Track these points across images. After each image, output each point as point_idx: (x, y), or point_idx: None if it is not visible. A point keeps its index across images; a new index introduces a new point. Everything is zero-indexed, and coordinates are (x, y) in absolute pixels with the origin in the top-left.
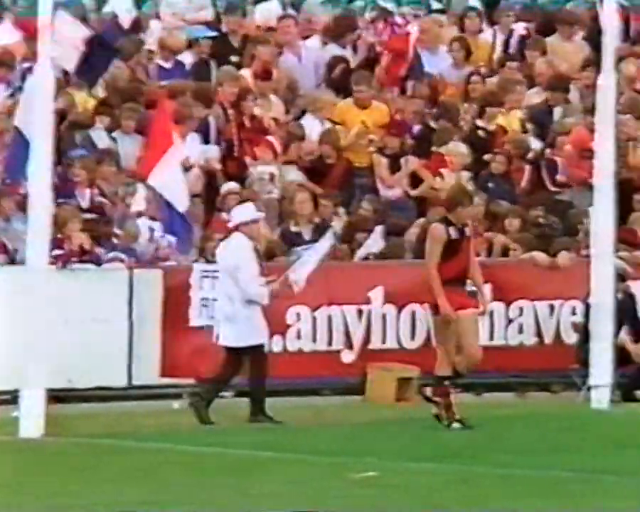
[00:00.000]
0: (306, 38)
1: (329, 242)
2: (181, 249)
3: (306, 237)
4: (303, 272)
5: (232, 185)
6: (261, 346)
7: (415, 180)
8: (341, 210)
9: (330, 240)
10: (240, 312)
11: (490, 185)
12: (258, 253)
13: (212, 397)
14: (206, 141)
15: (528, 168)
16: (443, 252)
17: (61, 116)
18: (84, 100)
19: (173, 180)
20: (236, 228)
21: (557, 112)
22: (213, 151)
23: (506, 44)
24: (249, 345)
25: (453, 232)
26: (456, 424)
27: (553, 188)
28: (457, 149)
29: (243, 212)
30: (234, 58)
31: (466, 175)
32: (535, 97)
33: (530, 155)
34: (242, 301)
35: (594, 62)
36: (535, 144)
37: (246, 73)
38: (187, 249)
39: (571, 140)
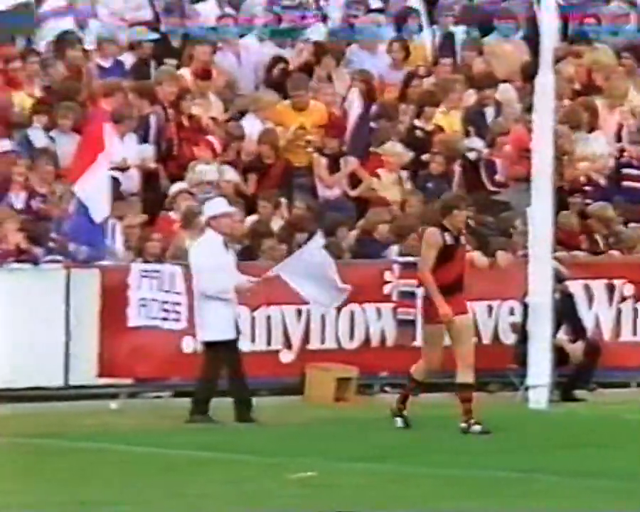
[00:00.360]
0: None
1: (317, 244)
2: (92, 256)
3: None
4: (284, 268)
5: (183, 185)
6: (232, 342)
7: (354, 180)
8: (281, 210)
9: (318, 241)
10: (209, 308)
11: (428, 185)
12: (226, 247)
13: (207, 396)
14: (146, 140)
15: (458, 169)
16: (438, 257)
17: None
18: (21, 100)
19: (97, 189)
20: (207, 224)
21: (491, 112)
22: (149, 151)
23: (444, 44)
24: (219, 340)
25: (448, 238)
26: (476, 427)
27: (492, 188)
28: (394, 149)
29: (212, 206)
30: (173, 59)
31: (404, 175)
32: (474, 97)
33: (472, 155)
34: (210, 297)
35: (532, 62)
36: (475, 144)
37: (185, 73)
38: (99, 257)
39: (510, 140)
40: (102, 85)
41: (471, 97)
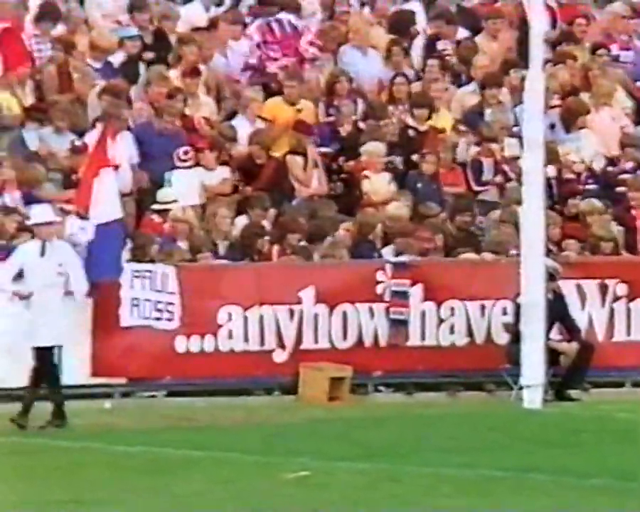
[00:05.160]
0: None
1: None
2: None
3: (221, 251)
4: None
5: (168, 191)
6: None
7: (345, 180)
8: (272, 211)
9: None
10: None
11: (418, 185)
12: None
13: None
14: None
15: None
16: None
17: None
18: (7, 101)
19: (109, 203)
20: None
21: (489, 112)
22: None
23: (433, 44)
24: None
25: None
26: None
27: (478, 188)
28: (373, 150)
29: (37, 214)
30: (150, 54)
31: (387, 176)
32: (468, 97)
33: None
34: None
35: (521, 61)
36: (464, 145)
37: (174, 73)
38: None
39: None
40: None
41: (465, 96)
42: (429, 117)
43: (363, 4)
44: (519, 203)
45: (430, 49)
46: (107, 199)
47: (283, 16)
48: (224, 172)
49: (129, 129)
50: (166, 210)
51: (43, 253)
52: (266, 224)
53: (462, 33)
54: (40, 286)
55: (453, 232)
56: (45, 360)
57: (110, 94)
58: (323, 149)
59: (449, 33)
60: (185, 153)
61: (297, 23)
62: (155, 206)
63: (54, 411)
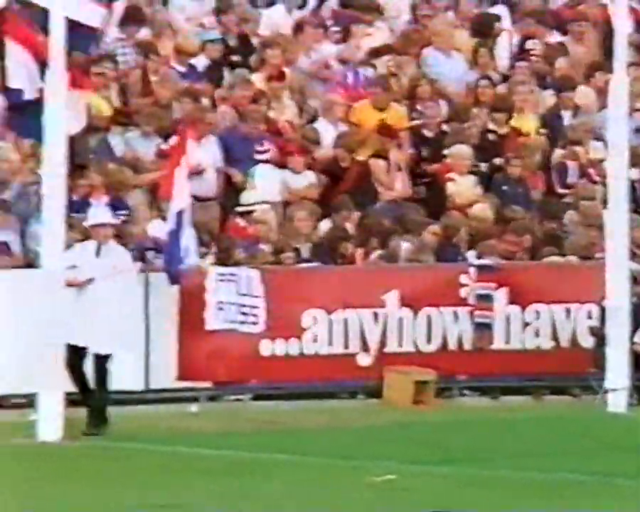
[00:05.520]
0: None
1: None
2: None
3: (305, 254)
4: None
5: (250, 192)
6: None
7: (429, 183)
8: (355, 214)
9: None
10: None
11: (504, 188)
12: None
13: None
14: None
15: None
16: None
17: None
18: (98, 104)
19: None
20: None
21: (568, 115)
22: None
23: (521, 46)
24: None
25: None
26: None
27: (562, 191)
28: (459, 152)
29: (93, 215)
30: (236, 58)
31: (473, 179)
32: (548, 100)
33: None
34: None
35: (605, 64)
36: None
37: (257, 77)
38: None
39: None
40: (177, 89)
41: (546, 99)
42: (508, 121)
43: (447, 8)
44: (605, 205)
45: (518, 51)
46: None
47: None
48: (310, 176)
49: (213, 133)
50: (250, 212)
51: (98, 253)
52: (349, 227)
53: (549, 34)
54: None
55: (539, 235)
56: (101, 363)
57: (189, 97)
58: (408, 151)
59: (539, 33)
60: (262, 144)
61: None
62: (238, 208)
63: (93, 416)
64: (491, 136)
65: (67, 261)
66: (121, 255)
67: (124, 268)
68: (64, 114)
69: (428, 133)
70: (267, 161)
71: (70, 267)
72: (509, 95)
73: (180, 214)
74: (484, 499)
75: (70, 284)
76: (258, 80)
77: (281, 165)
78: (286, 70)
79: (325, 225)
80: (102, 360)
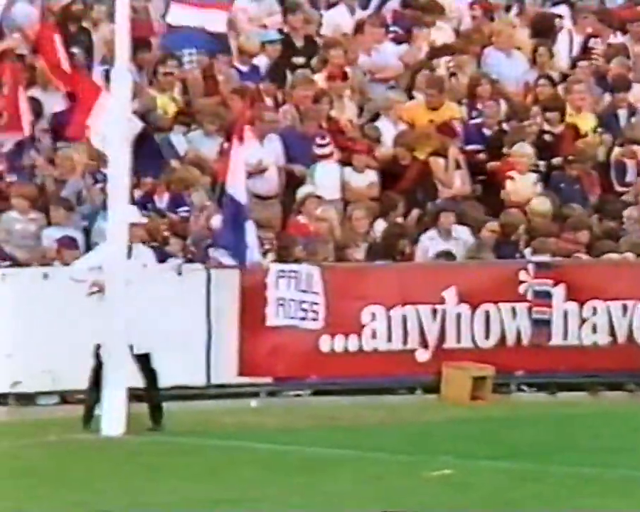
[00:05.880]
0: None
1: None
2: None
3: (358, 255)
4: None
5: (310, 188)
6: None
7: (486, 181)
8: (415, 211)
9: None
10: None
11: (562, 186)
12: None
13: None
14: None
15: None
16: None
17: (142, 118)
18: (164, 103)
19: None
20: None
21: (624, 114)
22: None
23: (583, 46)
24: None
25: None
26: None
27: (621, 189)
28: (522, 151)
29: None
30: (301, 60)
31: (533, 177)
32: (605, 99)
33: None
34: None
35: None
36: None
37: (319, 77)
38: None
39: None
40: (242, 90)
41: (604, 99)
42: (562, 120)
43: (507, 8)
44: None
45: (580, 50)
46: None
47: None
48: (371, 175)
49: (275, 131)
50: (303, 205)
51: (129, 254)
52: (408, 224)
53: (611, 34)
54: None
55: (597, 233)
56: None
57: (240, 95)
58: (469, 148)
59: (602, 33)
60: (323, 138)
61: None
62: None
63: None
64: (547, 136)
65: (92, 260)
66: (150, 255)
67: (154, 268)
68: (127, 113)
69: (487, 131)
70: (327, 158)
71: (93, 269)
72: (565, 94)
73: (237, 205)
74: (542, 495)
75: (96, 287)
76: (320, 79)
77: (343, 163)
78: (347, 69)
79: (382, 223)
80: (142, 360)
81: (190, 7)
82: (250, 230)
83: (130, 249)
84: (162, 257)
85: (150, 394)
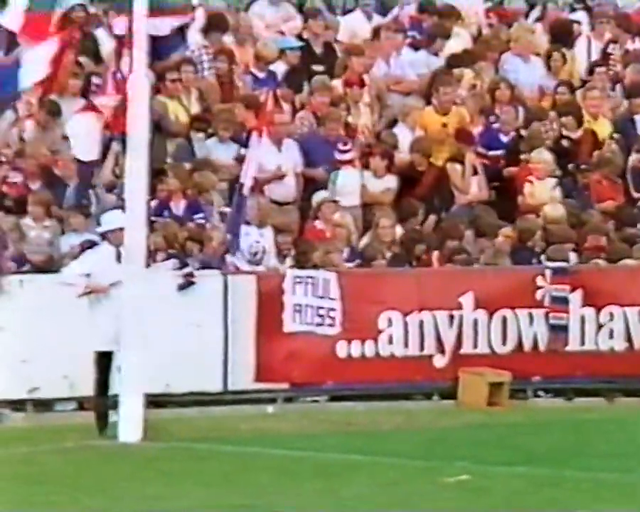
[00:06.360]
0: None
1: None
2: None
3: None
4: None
5: (325, 194)
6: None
7: (503, 187)
8: (432, 217)
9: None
10: None
11: (577, 193)
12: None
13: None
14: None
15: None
16: None
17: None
18: (175, 109)
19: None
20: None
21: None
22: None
23: (602, 52)
24: None
25: None
26: None
27: (638, 195)
28: (541, 157)
29: (109, 220)
30: (320, 67)
31: (552, 182)
32: (621, 105)
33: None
34: None
35: None
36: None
37: (337, 82)
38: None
39: None
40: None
41: (621, 105)
42: (580, 126)
43: (526, 14)
44: None
45: (600, 56)
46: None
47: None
48: (389, 180)
49: (293, 137)
50: (319, 210)
51: (119, 258)
52: (425, 230)
53: (630, 40)
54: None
55: (615, 239)
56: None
57: (246, 105)
58: (490, 153)
59: (621, 39)
60: (345, 144)
61: None
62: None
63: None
64: (565, 142)
65: (84, 265)
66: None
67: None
68: (146, 120)
69: (504, 137)
70: (349, 164)
71: (84, 274)
72: (582, 100)
73: (242, 196)
74: (561, 500)
75: (90, 290)
76: (337, 85)
77: (362, 168)
78: (365, 76)
79: (400, 229)
80: (103, 360)
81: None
82: (268, 235)
83: (119, 253)
84: (181, 264)
85: (97, 400)
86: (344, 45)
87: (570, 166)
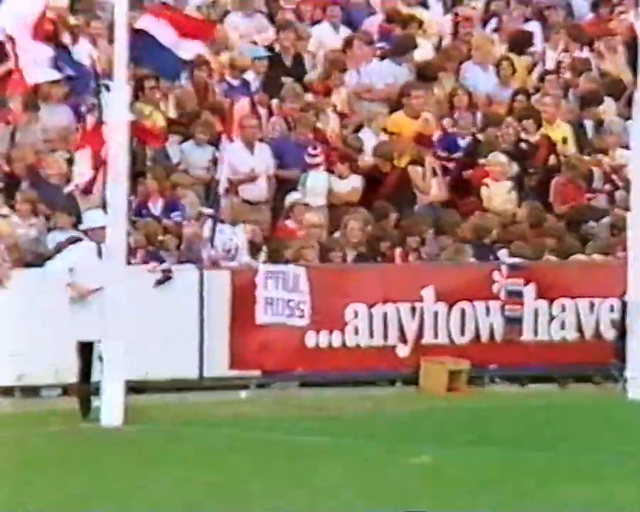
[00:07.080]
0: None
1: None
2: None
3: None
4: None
5: (297, 195)
6: None
7: (460, 189)
8: (393, 215)
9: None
10: None
11: (535, 194)
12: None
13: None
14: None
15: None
16: None
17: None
18: (151, 114)
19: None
20: (85, 233)
21: (590, 125)
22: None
23: (556, 61)
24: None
25: None
26: None
27: (588, 195)
28: (497, 159)
29: (90, 218)
30: (290, 79)
31: (508, 184)
32: (573, 111)
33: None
34: None
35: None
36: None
37: (307, 90)
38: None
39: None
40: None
41: (573, 111)
42: (538, 129)
43: (484, 23)
44: (627, 209)
45: (554, 65)
46: None
47: None
48: (354, 181)
49: (265, 141)
50: (292, 210)
51: (100, 254)
52: (389, 228)
53: (579, 49)
54: (97, 286)
55: (568, 239)
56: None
57: (212, 111)
58: (448, 155)
59: (570, 48)
60: (314, 148)
61: None
62: (286, 208)
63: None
64: (524, 145)
65: (67, 262)
66: None
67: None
68: (127, 124)
69: (462, 141)
70: (318, 167)
71: (68, 270)
72: (538, 106)
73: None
74: (516, 480)
75: (75, 290)
76: (307, 93)
77: (328, 171)
78: (334, 84)
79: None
80: (84, 350)
81: (167, 26)
82: (240, 233)
83: (100, 250)
84: (158, 260)
85: (80, 387)
86: (312, 55)
87: (530, 168)
